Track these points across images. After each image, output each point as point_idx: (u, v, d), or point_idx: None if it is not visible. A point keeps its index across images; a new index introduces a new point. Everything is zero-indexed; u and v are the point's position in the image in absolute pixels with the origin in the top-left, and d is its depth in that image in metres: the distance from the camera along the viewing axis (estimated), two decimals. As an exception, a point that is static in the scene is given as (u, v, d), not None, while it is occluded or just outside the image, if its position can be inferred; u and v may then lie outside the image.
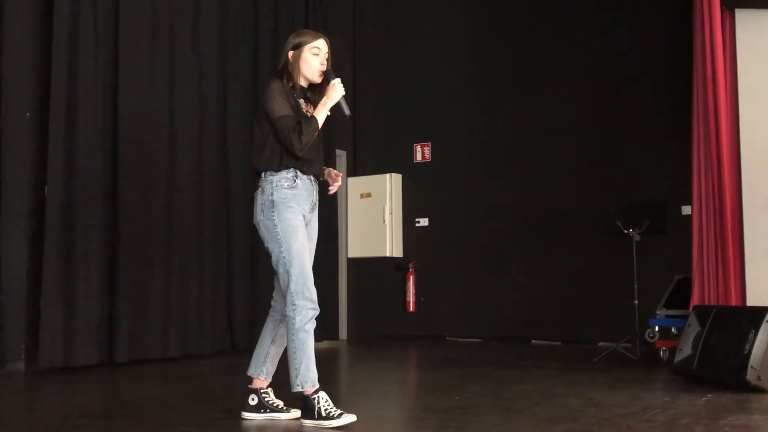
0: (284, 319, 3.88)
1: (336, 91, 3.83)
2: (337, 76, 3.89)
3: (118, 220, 6.49)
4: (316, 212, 4.02)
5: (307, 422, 3.69)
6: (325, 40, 3.95)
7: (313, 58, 3.88)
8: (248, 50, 7.92)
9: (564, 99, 8.44)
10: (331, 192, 4.12)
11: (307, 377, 3.70)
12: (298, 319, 3.72)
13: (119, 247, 6.47)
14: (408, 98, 9.52)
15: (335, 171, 4.11)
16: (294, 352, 3.72)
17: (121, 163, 6.55)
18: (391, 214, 9.29)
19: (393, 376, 6.16)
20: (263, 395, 3.92)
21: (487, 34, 9.09)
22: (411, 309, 9.19)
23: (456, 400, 4.46)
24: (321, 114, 3.83)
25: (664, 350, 6.33)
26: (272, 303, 4.02)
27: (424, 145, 9.40)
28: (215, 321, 7.33)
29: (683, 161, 6.89)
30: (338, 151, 9.28)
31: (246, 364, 4.06)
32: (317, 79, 3.91)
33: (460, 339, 8.84)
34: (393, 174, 9.36)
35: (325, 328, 8.58)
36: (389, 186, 9.30)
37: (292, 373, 3.71)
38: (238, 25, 7.80)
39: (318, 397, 3.69)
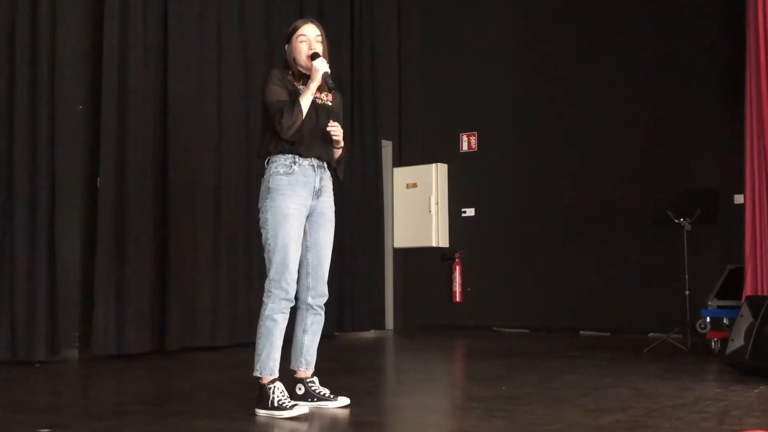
0: (309, 308, 3.93)
1: (317, 70, 3.79)
2: (319, 55, 3.83)
3: (168, 211, 6.59)
4: (325, 198, 3.95)
5: (261, 411, 3.68)
6: (314, 24, 3.94)
7: (301, 45, 3.88)
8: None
9: (613, 87, 8.32)
10: (335, 138, 3.92)
11: (266, 365, 3.72)
12: (269, 306, 3.74)
13: (169, 236, 6.57)
14: (454, 87, 9.48)
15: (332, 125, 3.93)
16: (258, 338, 3.75)
17: (171, 155, 6.64)
18: (437, 204, 9.27)
19: (439, 365, 6.17)
20: (309, 384, 3.95)
21: (534, 21, 9.00)
22: (457, 299, 9.18)
23: (503, 390, 4.45)
24: (305, 97, 3.80)
25: (715, 341, 6.23)
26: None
27: (471, 135, 9.36)
28: (264, 310, 7.39)
29: (735, 149, 6.75)
30: (384, 141, 9.29)
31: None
32: (309, 65, 3.87)
33: (507, 329, 8.81)
34: (439, 164, 9.34)
35: (371, 317, 8.63)
36: (435, 176, 9.29)
37: (255, 358, 3.75)
38: (283, 11, 7.83)
39: (274, 387, 3.70)
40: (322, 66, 3.80)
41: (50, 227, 5.88)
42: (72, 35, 6.22)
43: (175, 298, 6.55)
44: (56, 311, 5.92)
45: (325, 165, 3.96)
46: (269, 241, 3.79)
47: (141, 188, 6.40)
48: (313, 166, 3.88)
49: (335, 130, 3.90)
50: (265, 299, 3.77)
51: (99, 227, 6.11)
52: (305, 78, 3.90)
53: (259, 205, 3.90)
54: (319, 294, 3.96)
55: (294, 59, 3.91)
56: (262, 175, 3.95)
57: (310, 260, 3.93)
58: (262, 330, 3.74)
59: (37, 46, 5.87)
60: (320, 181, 3.91)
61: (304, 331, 3.98)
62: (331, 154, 3.98)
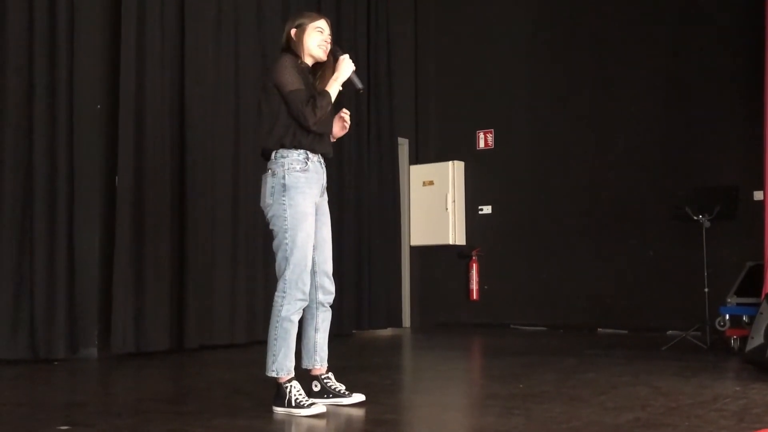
0: (320, 306, 3.91)
1: (346, 65, 3.79)
2: (346, 52, 3.85)
3: (186, 209, 6.61)
4: (325, 195, 3.94)
5: (278, 409, 3.68)
6: (327, 21, 3.91)
7: (316, 33, 3.83)
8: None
9: (632, 83, 8.28)
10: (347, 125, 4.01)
11: (283, 365, 3.69)
12: (285, 308, 3.70)
13: (187, 235, 6.60)
14: (471, 84, 9.46)
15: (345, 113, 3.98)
16: (275, 339, 3.71)
17: (189, 153, 6.67)
18: (454, 201, 9.26)
19: (457, 363, 6.16)
20: (325, 381, 3.94)
21: (551, 17, 8.97)
22: (474, 297, 9.17)
23: (521, 388, 4.43)
24: (333, 88, 3.77)
25: (734, 339, 6.19)
26: None
27: (487, 132, 9.34)
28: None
29: (755, 145, 6.70)
30: (400, 139, 9.28)
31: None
32: (322, 56, 3.84)
33: (525, 327, 8.79)
34: (455, 161, 9.33)
35: (388, 315, 8.63)
36: (452, 173, 9.27)
37: (269, 359, 3.71)
38: (300, 7, 7.83)
39: (291, 386, 3.68)
40: (350, 65, 3.81)
41: (69, 226, 5.92)
42: (90, 35, 6.25)
43: (193, 296, 6.57)
44: (75, 310, 5.96)
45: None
46: (287, 242, 3.70)
47: (159, 187, 6.43)
48: (321, 162, 3.86)
49: (348, 118, 3.96)
50: (279, 300, 3.73)
51: (117, 226, 6.14)
52: (309, 71, 3.85)
53: (268, 202, 3.76)
54: (328, 291, 3.95)
55: (304, 46, 3.82)
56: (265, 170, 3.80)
57: (316, 259, 3.89)
58: (278, 332, 3.71)
59: (56, 46, 5.91)
60: (325, 178, 3.91)
61: (316, 330, 3.95)
62: (331, 150, 3.97)
